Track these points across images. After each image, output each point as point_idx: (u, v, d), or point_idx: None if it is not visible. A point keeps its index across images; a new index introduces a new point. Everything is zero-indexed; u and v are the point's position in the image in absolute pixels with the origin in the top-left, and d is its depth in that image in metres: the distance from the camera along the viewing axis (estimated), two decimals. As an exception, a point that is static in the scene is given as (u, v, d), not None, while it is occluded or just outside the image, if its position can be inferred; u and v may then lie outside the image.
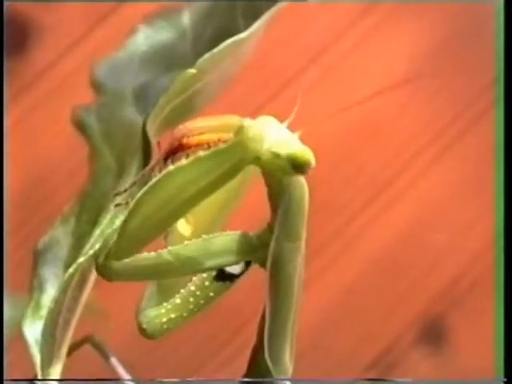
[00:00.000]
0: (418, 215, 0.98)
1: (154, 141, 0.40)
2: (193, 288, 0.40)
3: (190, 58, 0.47)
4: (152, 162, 0.39)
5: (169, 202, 0.37)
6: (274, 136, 0.36)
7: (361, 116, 0.95)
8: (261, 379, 0.40)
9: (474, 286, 0.96)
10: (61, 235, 0.47)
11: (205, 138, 0.37)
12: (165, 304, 0.40)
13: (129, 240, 0.38)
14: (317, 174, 0.37)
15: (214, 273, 0.40)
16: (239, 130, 0.36)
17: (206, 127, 0.38)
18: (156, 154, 0.40)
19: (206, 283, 0.40)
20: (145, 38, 0.49)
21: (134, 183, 0.39)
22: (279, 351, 0.39)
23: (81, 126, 0.48)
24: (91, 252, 0.39)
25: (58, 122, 0.92)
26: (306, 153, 0.36)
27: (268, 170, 0.37)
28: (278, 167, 0.37)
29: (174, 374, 0.90)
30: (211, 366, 0.94)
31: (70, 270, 0.40)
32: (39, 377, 0.42)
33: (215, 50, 0.41)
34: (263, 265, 0.39)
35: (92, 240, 0.42)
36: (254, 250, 0.39)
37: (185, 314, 0.40)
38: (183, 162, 0.37)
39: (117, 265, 0.38)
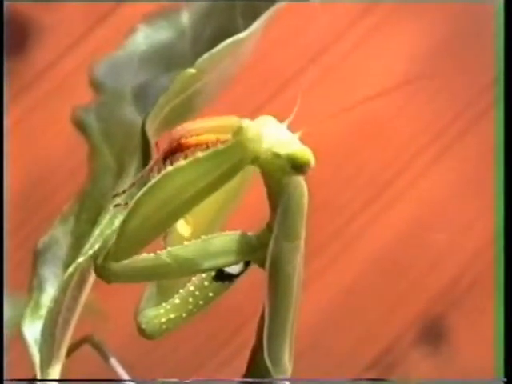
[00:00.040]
0: (418, 215, 0.98)
1: (153, 141, 0.40)
2: (192, 288, 0.40)
3: (190, 57, 0.47)
4: (150, 163, 0.39)
5: (168, 203, 0.37)
6: (274, 136, 0.36)
7: (361, 116, 0.95)
8: (260, 379, 0.40)
9: (474, 286, 0.96)
10: (60, 235, 0.47)
11: (203, 138, 0.37)
12: (164, 304, 0.40)
13: (128, 241, 0.38)
14: (317, 173, 0.37)
15: (213, 273, 0.40)
16: (238, 131, 0.36)
17: (205, 128, 0.37)
18: (155, 154, 0.40)
19: (205, 283, 0.40)
20: (144, 38, 0.49)
21: (132, 184, 0.39)
22: (278, 351, 0.39)
23: (80, 125, 0.48)
24: (90, 252, 0.39)
25: (58, 122, 0.92)
26: (305, 153, 0.36)
27: (267, 169, 0.37)
28: (278, 167, 0.37)
29: (173, 374, 0.90)
30: (210, 366, 0.94)
31: (70, 269, 0.40)
32: (38, 377, 0.42)
33: (214, 50, 0.41)
34: (262, 265, 0.39)
35: (91, 240, 0.42)
36: (253, 250, 0.39)
37: (184, 315, 0.40)
38: (182, 162, 0.37)
39: (115, 266, 0.38)
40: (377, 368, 0.94)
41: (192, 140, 0.37)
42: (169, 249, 0.38)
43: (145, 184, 0.37)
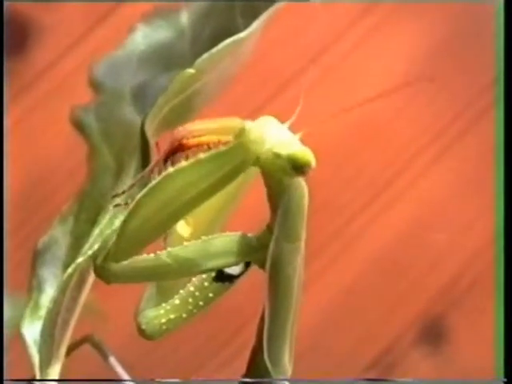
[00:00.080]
0: (418, 215, 0.98)
1: (152, 141, 0.40)
2: (192, 289, 0.40)
3: (189, 57, 0.47)
4: (151, 164, 0.39)
5: (168, 204, 0.37)
6: (275, 136, 0.36)
7: (361, 116, 0.95)
8: (260, 380, 0.40)
9: (474, 286, 0.96)
10: (59, 235, 0.47)
11: (205, 139, 0.37)
12: (164, 305, 0.40)
13: (128, 242, 0.37)
14: (317, 174, 0.37)
15: (213, 274, 0.40)
16: (240, 133, 0.36)
17: (207, 129, 0.37)
18: (154, 155, 0.40)
19: (206, 284, 0.40)
20: (143, 37, 0.49)
21: (132, 185, 0.39)
22: (278, 352, 0.39)
23: (79, 125, 0.48)
24: (90, 252, 0.38)
25: (58, 122, 0.92)
26: (306, 153, 0.36)
27: (268, 170, 0.37)
28: (278, 168, 0.37)
29: (173, 374, 0.90)
30: (210, 367, 0.93)
31: (69, 270, 0.40)
32: (38, 377, 0.42)
33: (214, 50, 0.41)
34: (262, 266, 0.39)
35: (91, 240, 0.42)
36: (253, 251, 0.39)
37: (184, 315, 0.40)
38: (183, 163, 0.36)
39: (115, 267, 0.38)
40: (377, 368, 0.94)
41: (193, 141, 0.37)
42: (169, 249, 0.38)
43: (145, 184, 0.37)
